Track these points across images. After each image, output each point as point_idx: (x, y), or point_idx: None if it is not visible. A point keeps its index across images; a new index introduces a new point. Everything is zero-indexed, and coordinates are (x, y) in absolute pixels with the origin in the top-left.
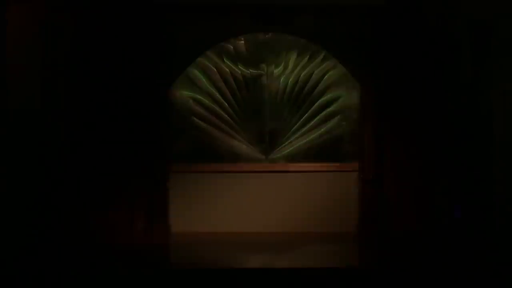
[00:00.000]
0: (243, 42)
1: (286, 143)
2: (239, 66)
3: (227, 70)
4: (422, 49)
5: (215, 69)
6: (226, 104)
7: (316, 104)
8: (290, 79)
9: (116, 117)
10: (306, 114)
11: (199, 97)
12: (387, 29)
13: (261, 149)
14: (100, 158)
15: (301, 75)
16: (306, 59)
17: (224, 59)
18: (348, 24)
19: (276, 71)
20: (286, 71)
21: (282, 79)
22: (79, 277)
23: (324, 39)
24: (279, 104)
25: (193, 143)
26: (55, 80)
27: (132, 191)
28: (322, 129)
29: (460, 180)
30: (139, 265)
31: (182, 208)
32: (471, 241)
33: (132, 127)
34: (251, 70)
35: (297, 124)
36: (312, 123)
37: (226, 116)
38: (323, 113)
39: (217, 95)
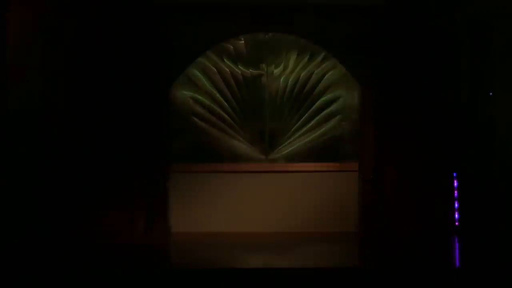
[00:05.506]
0: (243, 42)
1: (286, 143)
2: (239, 66)
3: (227, 70)
4: (422, 49)
5: (215, 69)
6: (226, 104)
7: (316, 104)
8: (290, 79)
9: (116, 117)
10: (306, 114)
11: (199, 97)
12: (387, 29)
13: (261, 149)
14: (100, 158)
15: (301, 75)
16: (306, 59)
17: (224, 59)
18: (348, 24)
19: (276, 71)
20: (286, 71)
21: (282, 79)
22: (79, 277)
23: (324, 39)
24: (279, 104)
25: (193, 143)
26: (55, 80)
27: (132, 191)
28: (322, 129)
29: (460, 180)
30: (139, 265)
31: (182, 208)
32: (471, 241)
33: (132, 127)
34: (251, 70)
35: (297, 124)
36: (312, 123)
37: (226, 116)
38: (323, 113)
39: (217, 95)
